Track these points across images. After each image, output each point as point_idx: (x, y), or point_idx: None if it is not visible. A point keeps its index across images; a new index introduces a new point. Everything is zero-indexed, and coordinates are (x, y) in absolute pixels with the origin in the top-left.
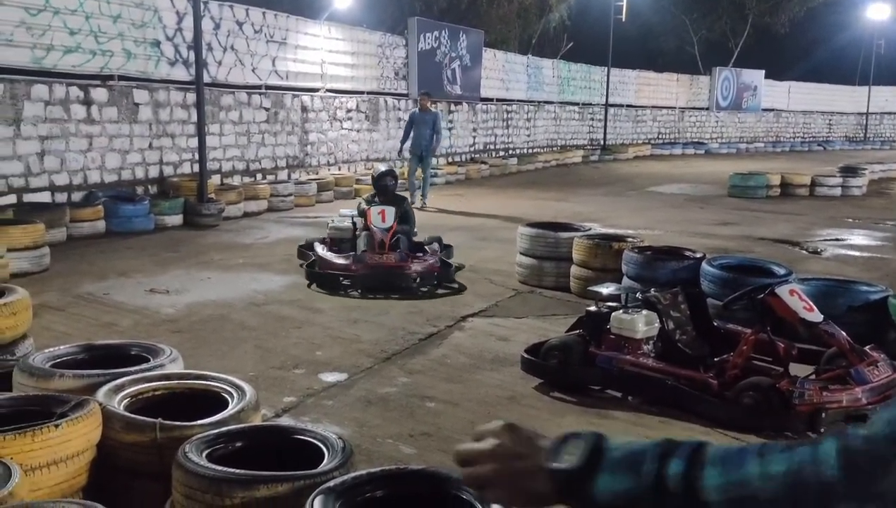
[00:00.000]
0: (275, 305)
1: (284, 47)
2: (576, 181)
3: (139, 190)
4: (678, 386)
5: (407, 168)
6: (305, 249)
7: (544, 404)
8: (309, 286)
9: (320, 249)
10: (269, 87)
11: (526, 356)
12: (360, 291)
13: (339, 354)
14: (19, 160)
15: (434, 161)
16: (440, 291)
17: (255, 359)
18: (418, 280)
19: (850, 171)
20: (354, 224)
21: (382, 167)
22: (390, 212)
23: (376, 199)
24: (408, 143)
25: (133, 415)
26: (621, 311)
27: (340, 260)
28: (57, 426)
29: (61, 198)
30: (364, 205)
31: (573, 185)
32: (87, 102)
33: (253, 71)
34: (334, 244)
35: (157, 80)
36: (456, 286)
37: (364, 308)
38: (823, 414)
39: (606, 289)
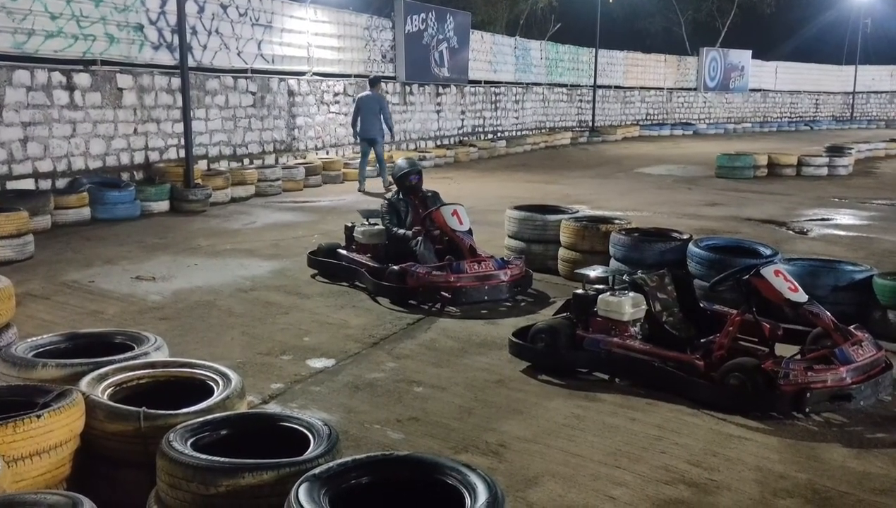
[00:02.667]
0: (262, 291)
1: (270, 31)
2: (564, 163)
3: (124, 176)
4: (665, 368)
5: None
6: (322, 256)
7: (532, 387)
8: (313, 277)
9: (362, 258)
10: (255, 71)
11: (514, 339)
12: (455, 308)
13: (327, 340)
14: (2, 147)
15: (423, 144)
16: None
17: (242, 346)
18: (521, 286)
19: (836, 151)
20: (387, 228)
21: (404, 162)
22: (463, 211)
23: (401, 199)
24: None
25: (117, 404)
26: (608, 294)
27: (439, 273)
28: (39, 416)
29: (45, 184)
30: (394, 207)
31: (562, 168)
32: (70, 88)
33: (238, 55)
34: (365, 250)
35: (140, 64)
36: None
37: (351, 293)
38: (808, 394)
39: (594, 272)
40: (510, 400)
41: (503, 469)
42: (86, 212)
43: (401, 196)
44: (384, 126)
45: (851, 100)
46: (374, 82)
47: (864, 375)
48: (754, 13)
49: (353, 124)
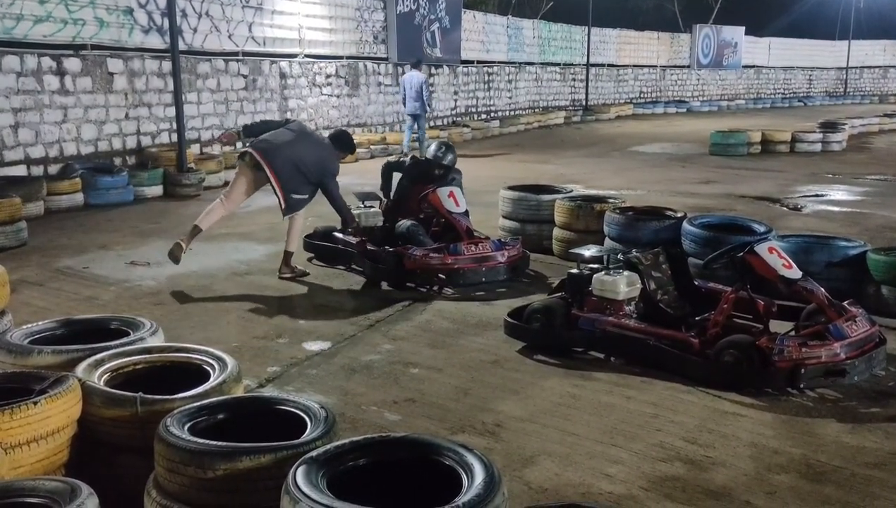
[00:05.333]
0: (257, 275)
1: (261, 12)
2: (558, 142)
3: (117, 161)
4: (660, 346)
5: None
6: (318, 240)
7: (528, 367)
8: (310, 260)
9: (355, 239)
10: (246, 54)
11: (509, 319)
12: (452, 290)
13: (323, 322)
14: None
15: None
16: None
17: (238, 330)
18: (518, 268)
19: (830, 127)
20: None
21: (450, 157)
22: (460, 193)
23: (405, 182)
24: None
25: (113, 390)
26: (603, 273)
27: (436, 255)
28: (36, 403)
29: (37, 171)
30: (400, 169)
31: (555, 147)
32: (61, 73)
33: (229, 37)
34: (361, 233)
35: (131, 48)
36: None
37: (346, 276)
38: (803, 370)
39: (588, 251)
40: (506, 380)
41: (500, 449)
42: (79, 198)
43: (415, 171)
44: (425, 103)
45: (845, 76)
46: (417, 64)
47: (858, 351)
48: None
49: (404, 102)
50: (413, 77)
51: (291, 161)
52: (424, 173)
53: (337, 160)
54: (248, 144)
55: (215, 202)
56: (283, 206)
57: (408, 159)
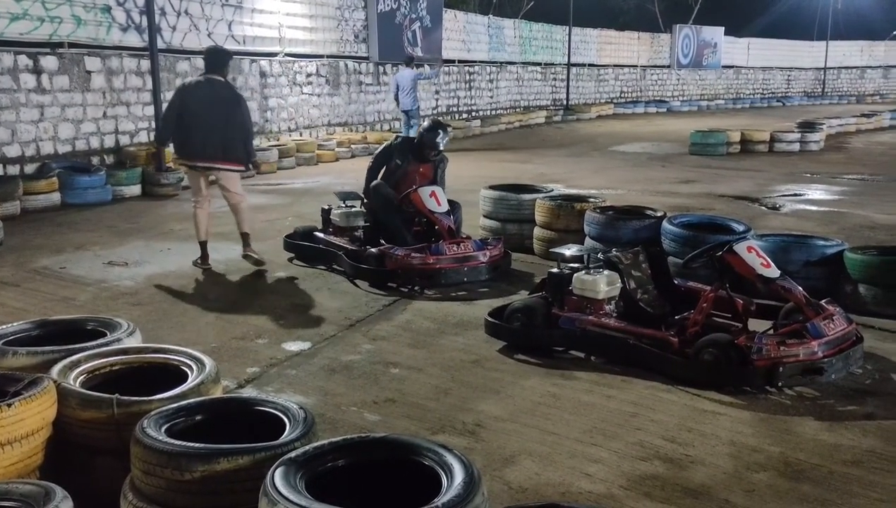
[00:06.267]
0: (236, 275)
1: (241, 11)
2: (539, 142)
3: (95, 160)
4: (640, 345)
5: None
6: (299, 239)
7: (508, 366)
8: (291, 260)
9: (339, 241)
10: None
11: (490, 319)
12: (433, 290)
13: (303, 323)
14: None
15: (397, 124)
16: None
17: (216, 330)
18: (499, 268)
19: (808, 127)
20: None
21: (440, 136)
22: (440, 191)
23: (398, 161)
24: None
25: (89, 392)
26: (583, 272)
27: (418, 255)
28: (9, 405)
29: (13, 170)
30: (389, 153)
31: (536, 147)
32: (37, 71)
33: (209, 36)
34: (342, 233)
35: (109, 46)
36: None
37: (327, 276)
38: (781, 369)
39: (569, 250)
40: (486, 380)
41: (480, 449)
42: (56, 198)
43: (407, 148)
44: (417, 99)
45: (823, 76)
46: (409, 61)
47: (836, 349)
48: None
49: (395, 99)
50: (405, 75)
51: (226, 136)
52: (417, 153)
53: (228, 84)
54: (178, 158)
55: (194, 213)
56: (243, 165)
57: (395, 141)
